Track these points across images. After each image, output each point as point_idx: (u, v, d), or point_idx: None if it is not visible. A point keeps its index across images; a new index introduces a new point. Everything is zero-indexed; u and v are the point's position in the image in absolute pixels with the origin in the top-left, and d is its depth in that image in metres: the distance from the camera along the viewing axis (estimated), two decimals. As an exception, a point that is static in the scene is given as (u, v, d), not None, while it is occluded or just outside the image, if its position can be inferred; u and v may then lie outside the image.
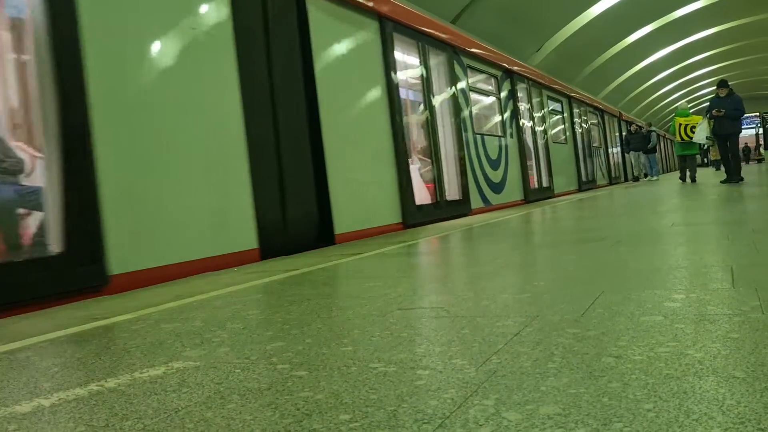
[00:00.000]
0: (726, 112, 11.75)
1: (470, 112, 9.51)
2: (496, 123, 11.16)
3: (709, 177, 16.30)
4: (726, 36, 32.00)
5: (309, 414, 1.32)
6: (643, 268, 2.86)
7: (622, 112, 25.48)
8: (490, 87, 11.00)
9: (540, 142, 13.06)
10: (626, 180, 22.69)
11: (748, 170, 22.15)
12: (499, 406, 1.26)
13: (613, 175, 20.90)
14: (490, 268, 3.25)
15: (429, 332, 1.95)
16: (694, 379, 1.32)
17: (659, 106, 46.33)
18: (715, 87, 12.38)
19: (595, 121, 19.55)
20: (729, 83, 12.31)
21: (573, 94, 16.76)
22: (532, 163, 12.46)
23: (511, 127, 11.20)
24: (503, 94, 11.22)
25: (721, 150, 12.39)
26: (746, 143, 42.43)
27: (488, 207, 9.65)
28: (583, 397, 1.26)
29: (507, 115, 11.19)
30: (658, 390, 1.26)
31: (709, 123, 12.04)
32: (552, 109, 14.75)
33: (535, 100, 13.11)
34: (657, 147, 20.04)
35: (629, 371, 1.40)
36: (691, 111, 16.13)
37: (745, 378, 1.30)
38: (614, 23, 23.77)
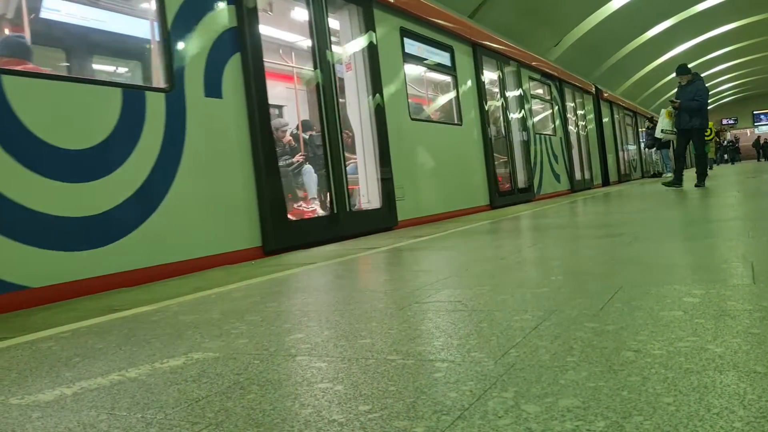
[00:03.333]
0: (681, 103, 10.05)
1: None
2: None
3: (724, 170, 16.05)
4: (747, 30, 31.61)
5: (328, 405, 1.33)
6: (661, 263, 2.84)
7: (604, 90, 18.79)
8: None
9: (358, 116, 6.65)
10: (607, 183, 17.30)
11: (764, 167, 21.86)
12: (518, 399, 1.26)
13: (579, 177, 14.74)
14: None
15: (447, 325, 1.95)
16: (714, 373, 1.31)
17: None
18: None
19: (545, 95, 13.31)
20: (690, 68, 10.45)
21: (484, 42, 9.89)
22: (311, 159, 6.98)
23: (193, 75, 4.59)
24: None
25: (677, 146, 10.70)
26: (766, 139, 41.95)
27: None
28: (602, 391, 1.26)
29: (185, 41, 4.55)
30: (678, 384, 1.26)
31: (668, 115, 10.58)
32: (419, 58, 8.17)
33: (354, 30, 6.67)
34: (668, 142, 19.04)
35: (649, 365, 1.39)
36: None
37: (767, 373, 1.29)
38: (634, 18, 23.56)
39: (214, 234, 4.57)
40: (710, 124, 19.33)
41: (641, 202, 7.81)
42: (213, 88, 4.73)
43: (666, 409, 1.14)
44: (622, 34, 25.29)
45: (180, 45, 4.48)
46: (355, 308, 2.34)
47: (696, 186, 10.06)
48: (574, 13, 21.07)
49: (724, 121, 55.47)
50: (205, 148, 4.59)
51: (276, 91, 8.37)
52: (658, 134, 11.06)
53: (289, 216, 5.50)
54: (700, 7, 25.97)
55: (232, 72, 4.89)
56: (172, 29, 4.42)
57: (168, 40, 4.38)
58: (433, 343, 1.75)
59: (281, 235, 5.06)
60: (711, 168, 19.59)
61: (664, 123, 10.69)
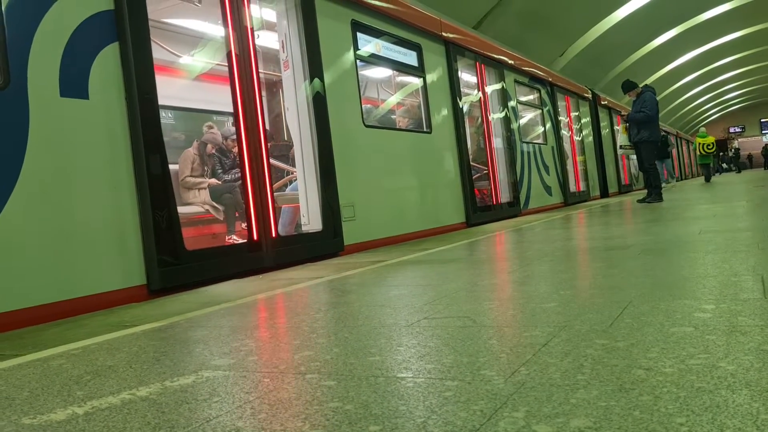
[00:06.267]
0: (628, 115, 10.04)
1: None
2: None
3: (729, 178, 15.97)
4: (754, 39, 31.62)
5: (339, 424, 1.33)
6: (671, 277, 2.83)
7: (602, 95, 17.29)
8: None
9: (297, 123, 5.77)
10: (606, 195, 16.14)
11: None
12: (529, 419, 1.25)
13: (574, 189, 13.51)
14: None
15: (456, 342, 1.95)
16: (726, 392, 1.30)
17: (685, 110, 45.81)
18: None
19: (534, 100, 12.07)
20: (635, 82, 10.27)
21: (459, 40, 8.84)
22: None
23: None
24: None
25: (637, 160, 10.48)
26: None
27: None
28: (614, 410, 1.25)
29: None
30: (690, 403, 1.25)
31: (624, 130, 10.47)
32: (376, 56, 7.02)
33: (291, 21, 5.77)
34: (671, 151, 18.98)
35: (660, 384, 1.39)
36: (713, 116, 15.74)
37: (780, 392, 1.28)
38: (639, 27, 23.59)
39: (70, 274, 3.58)
40: (712, 138, 19.91)
41: (640, 215, 7.78)
42: (74, 86, 3.75)
43: (678, 429, 1.13)
44: (628, 43, 25.32)
45: (21, 27, 3.50)
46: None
47: (639, 201, 9.81)
48: (578, 23, 21.12)
49: (731, 129, 55.41)
50: (58, 164, 3.61)
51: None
52: (618, 151, 11.14)
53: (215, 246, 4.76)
54: (706, 16, 25.99)
55: (106, 67, 3.94)
56: (9, 7, 3.44)
57: (0, 20, 3.40)
58: None
59: (172, 270, 4.06)
60: (712, 176, 20.03)
61: (621, 138, 10.58)
